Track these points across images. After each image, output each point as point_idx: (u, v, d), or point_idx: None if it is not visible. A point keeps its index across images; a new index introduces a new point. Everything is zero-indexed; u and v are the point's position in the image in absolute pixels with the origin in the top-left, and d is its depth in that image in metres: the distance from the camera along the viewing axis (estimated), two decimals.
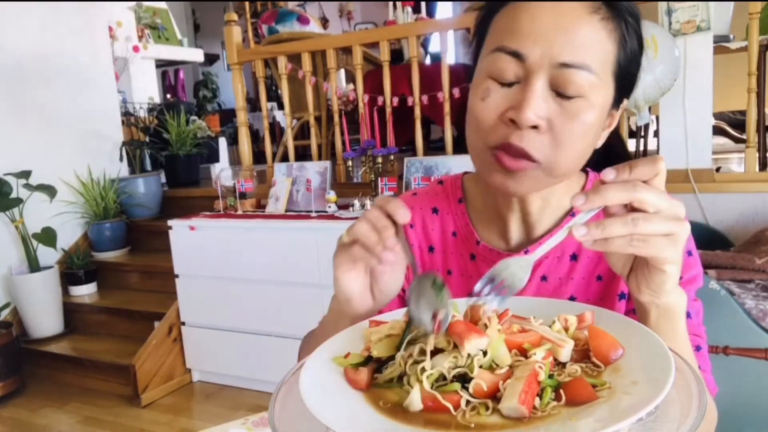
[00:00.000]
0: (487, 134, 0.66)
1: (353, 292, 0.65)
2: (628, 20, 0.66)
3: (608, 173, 0.53)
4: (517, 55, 0.63)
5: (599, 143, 0.71)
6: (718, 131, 4.29)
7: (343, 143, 3.03)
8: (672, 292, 0.58)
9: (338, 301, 0.68)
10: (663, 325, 0.61)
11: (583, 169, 0.81)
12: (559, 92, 0.63)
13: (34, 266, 3.31)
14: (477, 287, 0.58)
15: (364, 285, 0.66)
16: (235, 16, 3.24)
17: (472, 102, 0.68)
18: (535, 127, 0.63)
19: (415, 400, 0.48)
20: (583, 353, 0.54)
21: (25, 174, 3.27)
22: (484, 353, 0.50)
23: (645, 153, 3.63)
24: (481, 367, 0.49)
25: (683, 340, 0.63)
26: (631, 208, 0.53)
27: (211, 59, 7.60)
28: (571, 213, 0.77)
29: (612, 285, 0.76)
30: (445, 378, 0.50)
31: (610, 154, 0.84)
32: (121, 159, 3.92)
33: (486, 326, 0.53)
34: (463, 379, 0.49)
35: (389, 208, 0.61)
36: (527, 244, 0.78)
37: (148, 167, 4.14)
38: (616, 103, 0.69)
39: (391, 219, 0.61)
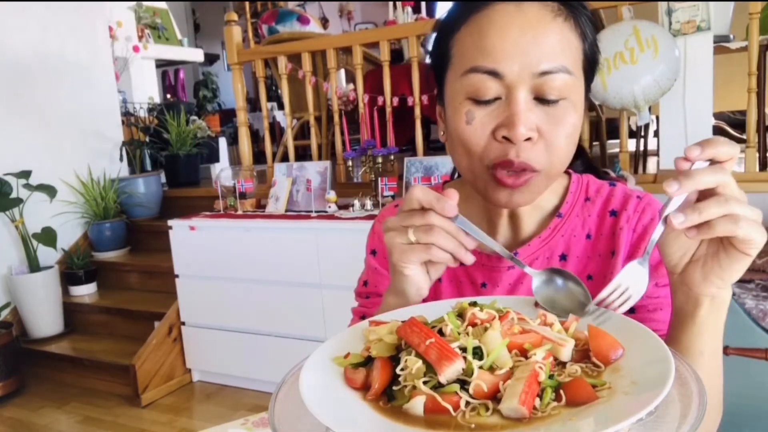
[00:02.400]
0: (482, 155, 0.67)
1: (423, 284, 0.66)
2: (582, 11, 0.67)
3: (693, 150, 0.52)
4: (494, 74, 0.64)
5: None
6: (718, 131, 4.29)
7: (343, 143, 3.03)
8: (732, 284, 0.58)
9: (401, 293, 0.68)
10: (711, 319, 0.60)
11: (566, 171, 0.82)
12: (543, 99, 0.64)
13: (34, 266, 3.31)
14: (603, 294, 0.60)
15: (424, 274, 0.66)
16: (235, 16, 3.24)
17: (457, 127, 0.68)
18: (528, 139, 0.64)
19: (416, 407, 0.48)
20: (583, 353, 0.54)
21: (25, 174, 3.27)
22: (481, 357, 0.50)
23: (645, 153, 3.63)
24: (481, 368, 0.49)
25: (721, 334, 0.63)
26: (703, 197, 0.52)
27: (211, 59, 7.60)
28: (557, 214, 0.78)
29: (603, 284, 0.76)
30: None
31: None
32: (121, 159, 3.92)
33: (486, 329, 0.53)
34: (463, 380, 0.49)
35: (439, 209, 0.60)
36: (515, 246, 0.79)
37: (148, 167, 4.14)
38: (587, 91, 0.71)
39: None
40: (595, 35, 0.70)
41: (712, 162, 0.54)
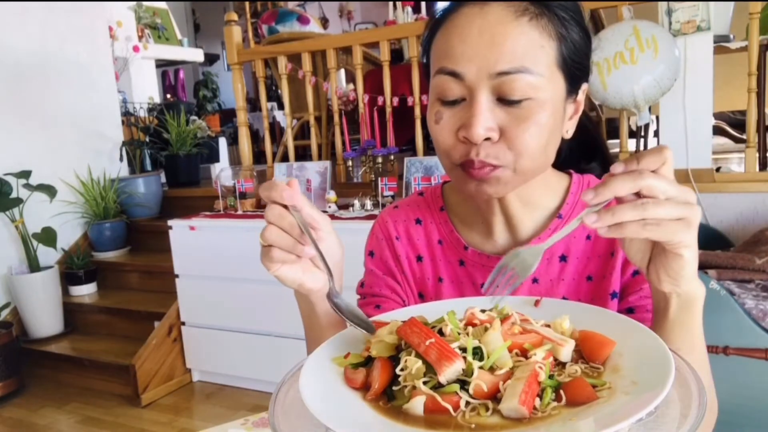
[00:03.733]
0: (450, 154, 0.69)
1: (299, 278, 0.66)
2: (559, 14, 0.67)
3: (617, 167, 0.54)
4: (455, 75, 0.66)
5: (568, 133, 0.73)
6: (718, 131, 4.28)
7: (343, 143, 3.03)
8: (692, 280, 0.58)
9: (296, 292, 0.70)
10: (683, 316, 0.61)
11: (567, 172, 0.82)
12: (505, 99, 0.65)
13: (34, 266, 3.31)
14: (490, 278, 0.59)
15: (303, 268, 0.66)
16: (235, 16, 3.24)
17: (429, 125, 0.71)
18: (488, 138, 0.65)
19: (416, 407, 0.48)
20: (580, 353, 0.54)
21: (25, 174, 3.27)
22: (481, 357, 0.50)
23: None
24: (481, 368, 0.49)
25: (700, 332, 0.63)
26: (643, 198, 0.53)
27: (211, 59, 7.59)
28: (557, 215, 0.78)
29: (603, 284, 0.76)
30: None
31: (587, 148, 0.85)
32: (121, 159, 3.92)
33: (486, 329, 0.53)
34: (463, 380, 0.49)
35: (278, 198, 0.60)
36: (513, 246, 0.79)
37: (148, 167, 4.14)
38: (572, 92, 0.70)
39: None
40: (580, 34, 0.69)
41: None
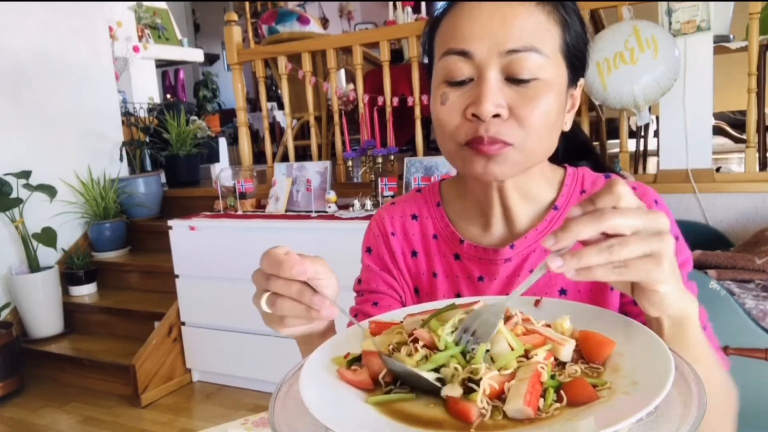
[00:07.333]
0: (455, 133, 0.69)
1: (308, 329, 0.66)
2: (564, 3, 0.69)
3: (574, 211, 0.50)
4: (465, 54, 0.67)
5: (567, 126, 0.74)
6: (718, 131, 4.29)
7: (343, 143, 3.03)
8: (679, 304, 0.55)
9: (299, 337, 0.70)
10: (678, 333, 0.58)
11: (562, 165, 0.82)
12: (514, 78, 0.66)
13: (34, 266, 3.31)
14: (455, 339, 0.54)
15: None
16: (235, 16, 3.24)
17: (433, 109, 0.71)
18: (497, 116, 0.65)
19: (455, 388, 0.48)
20: (579, 353, 0.54)
21: (25, 174, 3.27)
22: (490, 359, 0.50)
23: (645, 153, 3.63)
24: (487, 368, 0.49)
25: (702, 342, 0.60)
26: (609, 237, 0.49)
27: (211, 59, 7.59)
28: (553, 206, 0.78)
29: None
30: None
31: (574, 143, 0.86)
32: (121, 159, 3.92)
33: None
34: (469, 380, 0.49)
35: (289, 276, 0.57)
36: (510, 239, 0.79)
37: (148, 167, 4.14)
38: (572, 82, 0.72)
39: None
40: (581, 29, 0.71)
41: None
